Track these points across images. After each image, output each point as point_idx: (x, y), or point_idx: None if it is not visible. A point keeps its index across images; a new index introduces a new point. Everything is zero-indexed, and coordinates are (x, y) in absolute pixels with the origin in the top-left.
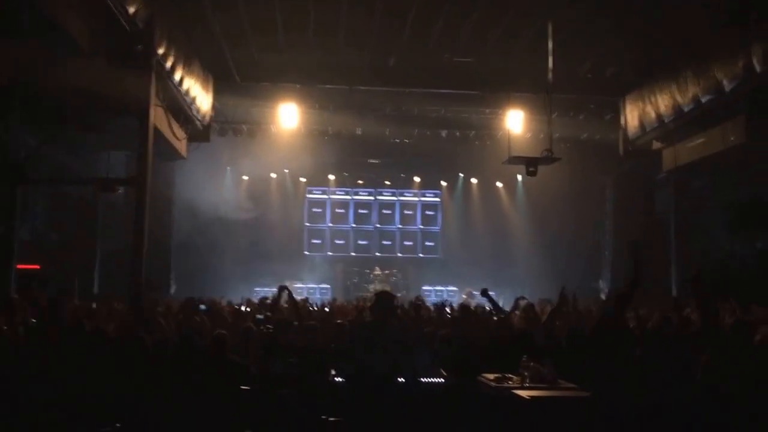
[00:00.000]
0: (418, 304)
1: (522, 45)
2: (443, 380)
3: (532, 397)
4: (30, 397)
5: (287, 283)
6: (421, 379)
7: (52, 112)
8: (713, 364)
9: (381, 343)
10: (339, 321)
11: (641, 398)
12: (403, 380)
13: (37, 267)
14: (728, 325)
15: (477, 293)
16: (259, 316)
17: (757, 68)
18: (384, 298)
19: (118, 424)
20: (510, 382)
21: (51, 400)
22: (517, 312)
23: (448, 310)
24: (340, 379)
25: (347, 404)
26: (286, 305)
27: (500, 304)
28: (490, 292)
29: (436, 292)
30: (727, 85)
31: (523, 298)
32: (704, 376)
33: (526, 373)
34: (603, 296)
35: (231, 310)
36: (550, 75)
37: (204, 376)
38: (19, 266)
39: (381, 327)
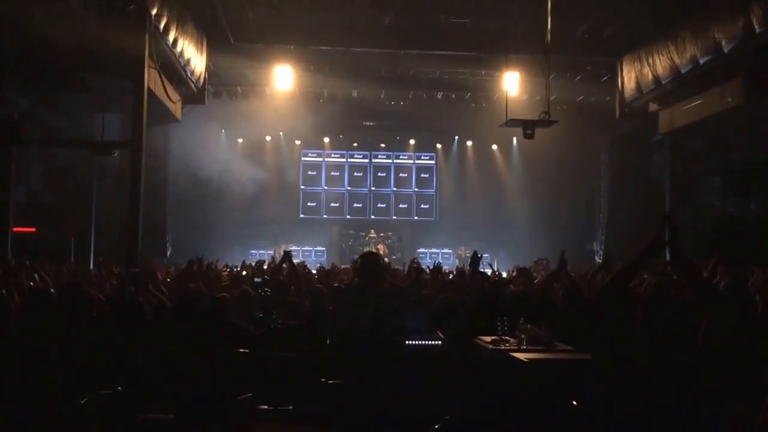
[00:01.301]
0: (417, 266)
1: (519, 5)
2: (440, 343)
3: (529, 359)
4: (29, 363)
5: (283, 246)
6: (418, 342)
7: (45, 73)
8: (712, 325)
9: (367, 305)
10: (336, 284)
11: (641, 362)
12: (392, 342)
13: (33, 230)
14: (723, 286)
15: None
16: (257, 279)
17: (757, 29)
18: (369, 260)
19: (119, 388)
20: (507, 345)
21: (51, 365)
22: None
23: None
24: (333, 342)
25: (342, 367)
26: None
27: (495, 266)
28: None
29: (431, 255)
30: (726, 46)
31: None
32: (704, 338)
33: (522, 336)
34: (598, 258)
35: (226, 273)
36: (548, 36)
37: (205, 339)
38: (16, 229)
39: (366, 289)
